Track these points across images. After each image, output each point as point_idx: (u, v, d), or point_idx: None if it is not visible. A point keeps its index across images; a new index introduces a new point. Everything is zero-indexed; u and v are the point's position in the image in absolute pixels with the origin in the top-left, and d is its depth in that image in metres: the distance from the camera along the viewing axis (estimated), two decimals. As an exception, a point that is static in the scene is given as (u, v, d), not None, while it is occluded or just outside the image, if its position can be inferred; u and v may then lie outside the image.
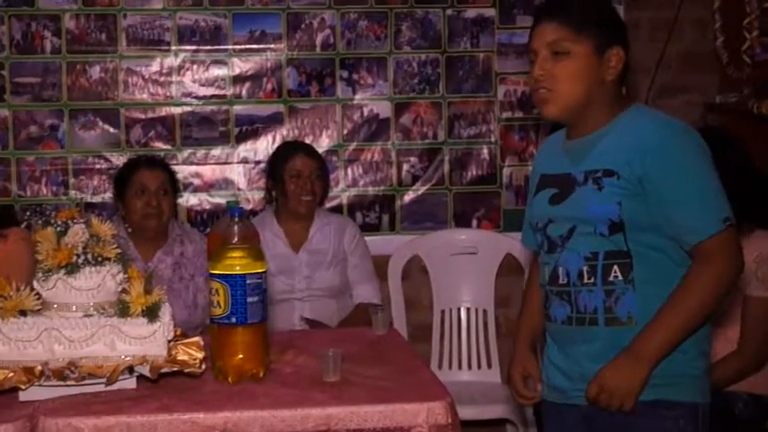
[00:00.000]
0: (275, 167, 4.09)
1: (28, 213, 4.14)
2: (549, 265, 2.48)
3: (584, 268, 2.39)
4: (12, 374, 2.44)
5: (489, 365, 4.43)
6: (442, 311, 4.50)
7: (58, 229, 2.62)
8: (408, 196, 4.62)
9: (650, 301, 2.32)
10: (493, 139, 4.64)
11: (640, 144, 2.33)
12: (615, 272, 2.36)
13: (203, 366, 2.59)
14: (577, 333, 2.43)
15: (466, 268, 4.50)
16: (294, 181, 4.01)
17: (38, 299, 2.59)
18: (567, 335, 2.47)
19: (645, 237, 2.33)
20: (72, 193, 4.45)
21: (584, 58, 2.38)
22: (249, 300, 2.57)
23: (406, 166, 4.61)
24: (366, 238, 4.26)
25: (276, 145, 4.44)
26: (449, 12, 4.58)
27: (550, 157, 2.56)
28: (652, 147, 2.32)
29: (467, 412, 3.97)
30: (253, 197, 4.54)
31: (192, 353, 2.60)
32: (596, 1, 2.51)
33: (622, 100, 2.46)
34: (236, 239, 2.63)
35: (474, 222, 4.65)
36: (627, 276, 2.35)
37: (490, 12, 4.59)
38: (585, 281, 2.39)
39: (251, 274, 2.58)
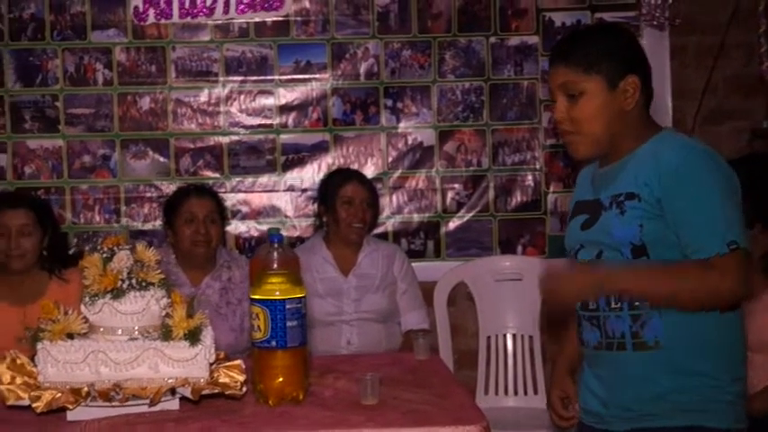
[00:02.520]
0: (327, 193, 4.13)
1: (76, 240, 4.30)
2: None
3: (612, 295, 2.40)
4: (60, 395, 2.50)
5: (535, 391, 4.42)
6: (488, 338, 4.50)
7: (104, 255, 2.67)
8: (453, 223, 4.65)
9: (676, 324, 2.33)
10: (537, 166, 4.66)
11: (659, 166, 2.34)
12: None
13: (244, 389, 2.63)
14: (608, 357, 2.44)
15: (511, 294, 4.50)
16: (346, 208, 4.05)
17: (85, 322, 2.64)
18: (598, 359, 2.48)
19: (669, 259, 2.33)
20: (123, 220, 4.55)
21: (598, 94, 2.40)
22: (289, 324, 2.61)
23: (450, 194, 4.65)
24: (412, 264, 4.29)
25: (323, 173, 4.51)
26: (492, 40, 4.62)
27: (585, 185, 2.59)
28: (670, 167, 2.32)
29: (513, 438, 4.02)
30: (299, 224, 4.60)
31: (233, 375, 2.65)
32: (602, 35, 2.52)
33: (649, 126, 2.46)
34: (275, 265, 2.67)
35: (519, 249, 4.67)
36: None
37: (533, 39, 4.63)
38: (613, 306, 2.41)
39: (290, 299, 2.62)
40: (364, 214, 4.08)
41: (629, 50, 2.47)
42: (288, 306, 2.61)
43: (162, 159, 4.57)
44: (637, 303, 2.37)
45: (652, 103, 2.50)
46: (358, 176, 4.20)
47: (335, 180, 4.17)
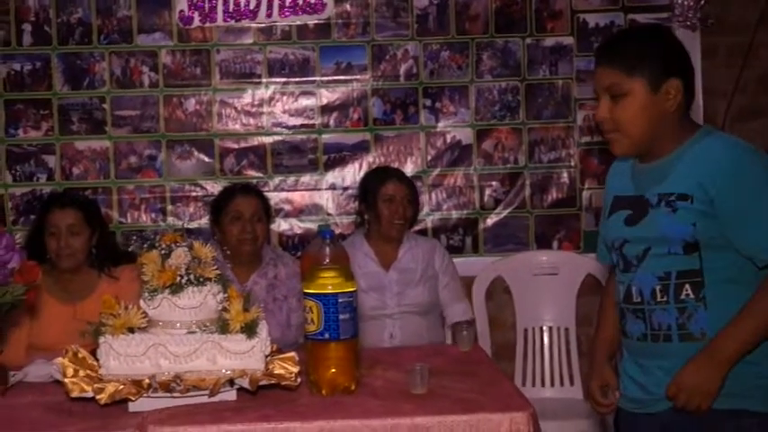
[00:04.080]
0: (368, 191, 4.20)
1: (134, 238, 4.38)
2: (624, 284, 2.56)
3: (658, 287, 2.47)
4: (122, 387, 2.59)
5: (572, 383, 4.50)
6: (525, 330, 4.58)
7: (163, 251, 2.76)
8: (491, 219, 4.73)
9: (722, 317, 2.38)
10: (572, 164, 4.72)
11: (711, 166, 2.39)
12: (687, 290, 2.43)
13: (299, 380, 2.72)
14: (652, 349, 2.51)
15: (547, 288, 4.58)
16: (387, 205, 4.13)
17: (144, 317, 2.73)
18: (642, 350, 2.54)
19: (720, 256, 2.39)
20: (169, 219, 4.64)
21: (640, 96, 2.44)
22: (341, 317, 2.70)
23: (488, 191, 4.72)
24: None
25: (364, 171, 4.59)
26: (528, 41, 4.69)
27: (622, 180, 2.63)
28: (723, 168, 2.38)
29: (549, 427, 4.05)
30: (341, 222, 4.68)
31: (288, 367, 2.75)
32: (646, 37, 2.55)
33: (688, 125, 2.51)
34: (327, 260, 2.75)
35: (555, 244, 4.74)
36: (698, 295, 2.42)
37: (568, 40, 4.70)
38: (659, 299, 2.47)
39: (342, 293, 2.71)
40: (405, 211, 4.16)
41: (673, 54, 2.50)
42: (340, 300, 2.70)
43: (207, 159, 4.66)
44: (682, 297, 2.43)
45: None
46: (398, 174, 4.26)
47: (376, 178, 4.24)
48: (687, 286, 2.43)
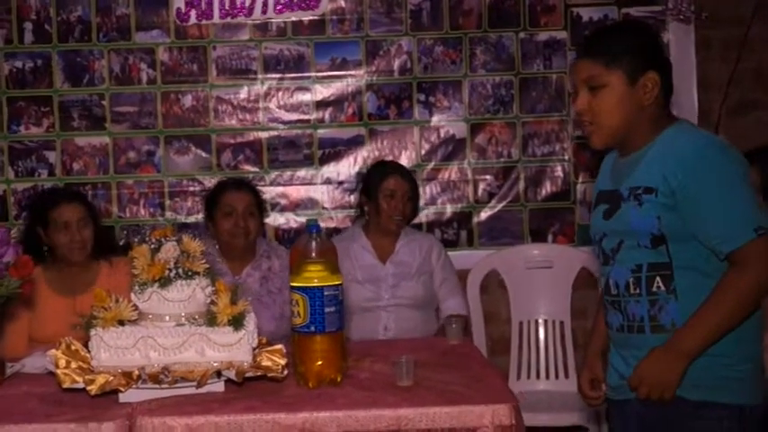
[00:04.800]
0: (370, 185, 4.22)
1: (125, 233, 4.44)
2: (604, 276, 2.62)
3: (631, 280, 2.52)
4: (112, 378, 2.64)
5: (566, 375, 4.52)
6: (520, 323, 4.61)
7: (152, 246, 2.81)
8: (485, 213, 4.76)
9: (692, 309, 2.42)
10: (566, 157, 4.75)
11: (676, 159, 2.43)
12: (658, 283, 2.48)
13: (285, 372, 2.76)
14: (629, 339, 2.56)
15: (542, 282, 4.61)
16: (387, 200, 4.15)
17: (134, 310, 2.78)
18: (621, 341, 2.60)
19: (686, 248, 2.44)
20: (168, 214, 4.69)
21: (618, 88, 2.50)
22: (327, 310, 2.74)
23: (482, 185, 4.75)
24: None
25: (359, 166, 4.64)
26: (521, 35, 4.72)
27: (605, 174, 2.69)
28: (686, 161, 2.42)
29: (544, 419, 4.15)
30: (336, 216, 4.72)
31: (275, 359, 2.80)
32: (625, 31, 2.63)
33: (665, 119, 2.55)
34: (314, 254, 2.79)
35: (549, 237, 4.76)
36: (669, 287, 2.47)
37: (561, 34, 4.71)
38: (632, 291, 2.52)
39: (328, 286, 2.75)
40: (405, 207, 4.18)
41: (650, 47, 2.56)
42: (326, 293, 2.74)
43: (204, 155, 4.70)
44: (654, 289, 2.48)
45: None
46: (400, 170, 4.29)
47: (379, 172, 4.26)
48: (658, 279, 2.48)
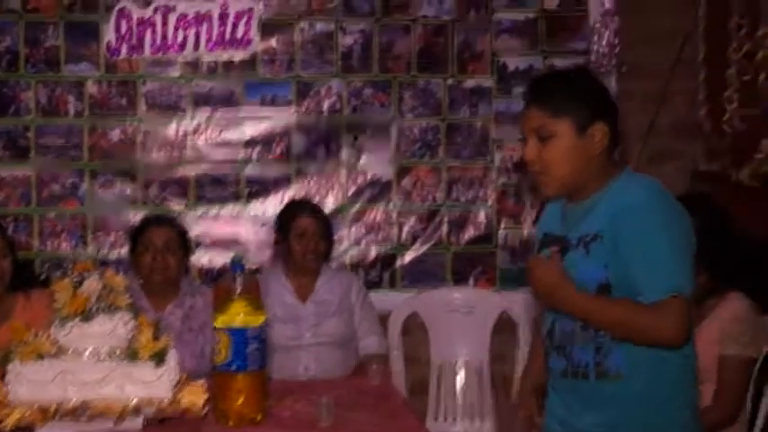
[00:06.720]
0: (282, 225, 4.23)
1: (47, 266, 4.37)
2: (548, 321, 2.63)
3: (578, 326, 2.52)
4: (28, 413, 2.62)
5: (482, 418, 4.57)
6: (440, 366, 4.65)
7: (75, 280, 2.80)
8: (409, 255, 4.79)
9: (637, 356, 2.45)
10: (489, 203, 4.81)
11: (623, 204, 2.43)
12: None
13: (206, 409, 2.76)
14: (572, 384, 2.57)
15: (462, 325, 4.66)
16: (298, 240, 4.15)
17: (54, 343, 2.75)
18: (565, 386, 2.61)
19: (630, 296, 2.41)
20: (90, 248, 4.64)
21: (567, 137, 2.47)
22: (249, 348, 2.77)
23: (406, 227, 4.79)
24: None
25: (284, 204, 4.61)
26: (449, 81, 4.79)
27: (553, 218, 2.68)
28: (630, 206, 2.42)
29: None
30: (261, 255, 4.69)
31: (195, 396, 2.79)
32: (574, 80, 2.58)
33: (613, 168, 2.54)
34: (237, 292, 2.81)
35: (471, 280, 4.80)
36: None
37: (488, 82, 4.80)
38: (578, 338, 2.52)
39: (251, 326, 2.78)
40: (317, 245, 4.17)
41: (599, 97, 2.54)
42: (248, 332, 2.76)
43: (129, 189, 4.67)
44: (599, 337, 2.48)
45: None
46: (311, 208, 4.29)
47: (290, 212, 4.27)
48: None
